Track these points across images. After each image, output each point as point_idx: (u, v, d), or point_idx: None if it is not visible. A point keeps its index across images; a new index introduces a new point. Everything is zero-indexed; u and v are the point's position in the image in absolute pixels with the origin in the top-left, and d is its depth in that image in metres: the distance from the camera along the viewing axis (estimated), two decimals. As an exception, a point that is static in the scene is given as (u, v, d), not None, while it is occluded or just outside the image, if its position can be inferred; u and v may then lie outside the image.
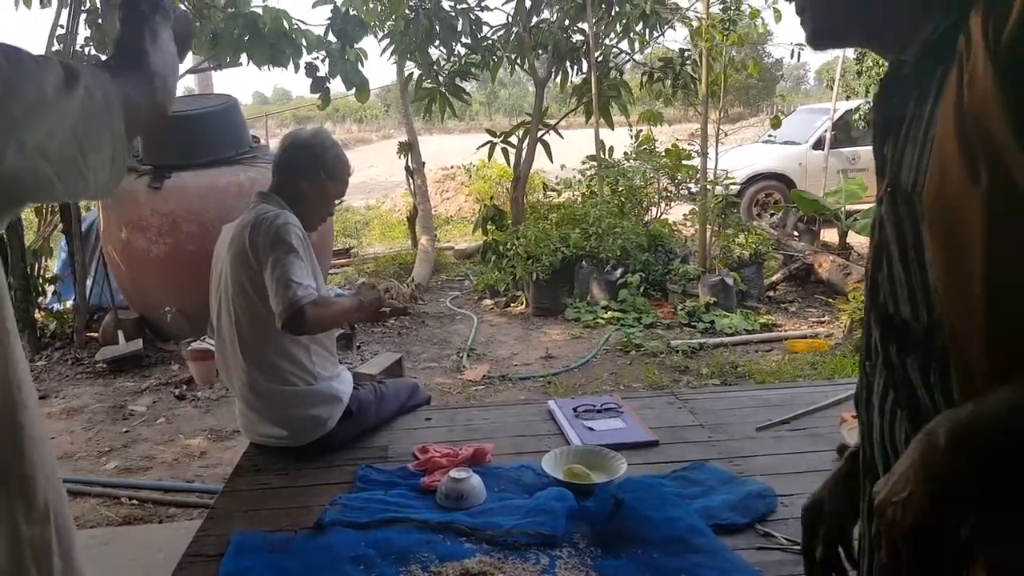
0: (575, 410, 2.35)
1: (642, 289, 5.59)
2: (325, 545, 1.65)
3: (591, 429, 2.22)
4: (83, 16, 5.99)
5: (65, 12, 5.85)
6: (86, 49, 6.19)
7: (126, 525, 2.84)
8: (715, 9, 6.17)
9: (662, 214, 7.06)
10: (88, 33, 6.10)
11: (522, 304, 5.96)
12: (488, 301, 6.21)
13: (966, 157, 0.64)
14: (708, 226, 6.02)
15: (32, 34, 7.63)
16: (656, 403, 2.49)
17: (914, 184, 0.72)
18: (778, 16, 6.64)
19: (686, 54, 7.04)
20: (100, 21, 5.91)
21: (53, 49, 5.81)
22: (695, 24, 6.25)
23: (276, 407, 2.09)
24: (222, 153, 5.00)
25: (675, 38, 35.62)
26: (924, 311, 0.73)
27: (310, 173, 2.15)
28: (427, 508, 1.80)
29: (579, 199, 7.59)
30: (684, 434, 2.22)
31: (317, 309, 1.93)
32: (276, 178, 2.20)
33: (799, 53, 6.86)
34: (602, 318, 5.39)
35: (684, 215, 6.64)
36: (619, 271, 5.74)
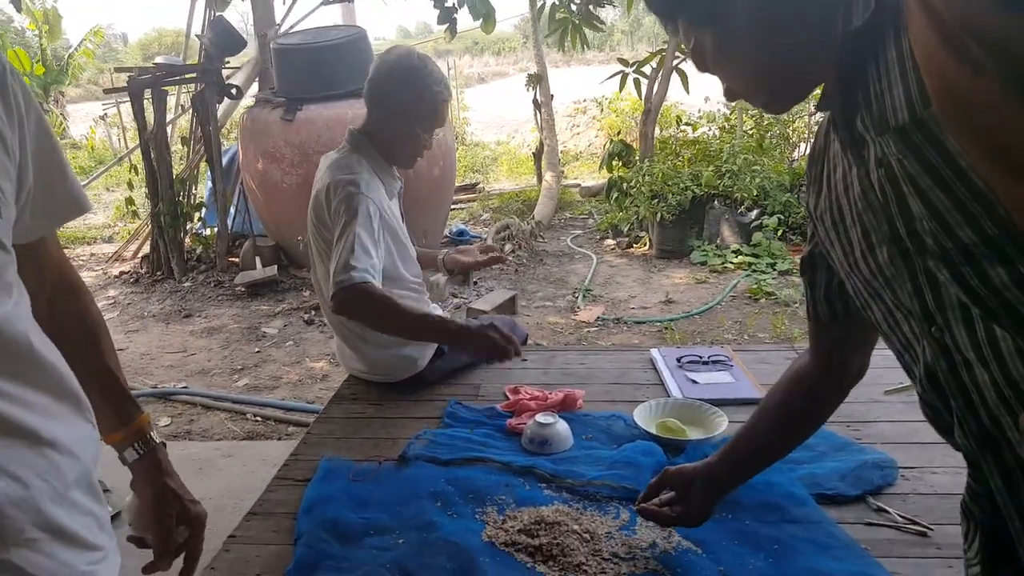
0: (679, 360, 2.21)
1: (779, 232, 5.22)
2: (406, 478, 1.65)
3: (694, 382, 2.07)
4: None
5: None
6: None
7: (248, 440, 3.04)
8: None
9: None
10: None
11: (645, 245, 5.75)
12: (610, 241, 6.05)
13: (958, 53, 0.65)
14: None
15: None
16: (772, 357, 2.29)
17: (924, 106, 0.72)
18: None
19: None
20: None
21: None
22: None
23: (366, 348, 2.09)
24: (351, 85, 5.07)
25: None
26: (988, 221, 0.71)
27: (393, 115, 1.96)
28: (510, 450, 1.76)
29: (717, 134, 7.17)
30: None
31: (367, 296, 1.77)
32: (368, 112, 2.02)
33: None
34: (731, 263, 5.09)
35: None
36: (754, 212, 5.37)
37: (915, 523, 1.43)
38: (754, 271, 4.92)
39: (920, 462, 1.64)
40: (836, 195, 0.93)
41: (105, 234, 7.19)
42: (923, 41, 0.70)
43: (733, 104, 6.88)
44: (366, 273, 1.78)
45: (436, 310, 2.23)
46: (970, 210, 0.71)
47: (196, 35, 5.75)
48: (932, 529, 1.40)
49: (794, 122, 6.46)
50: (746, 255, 5.15)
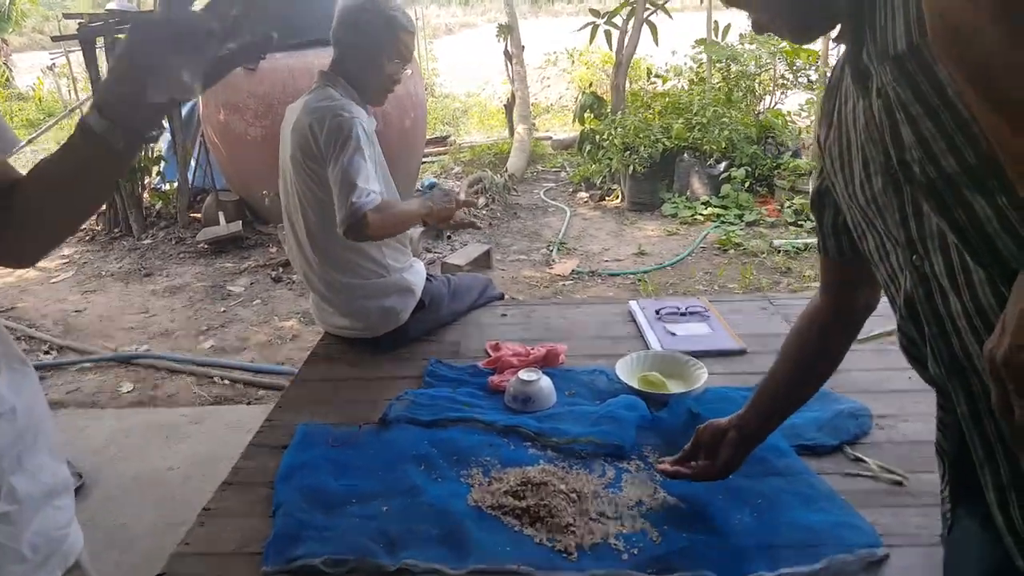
0: (657, 312, 2.21)
1: (747, 184, 5.22)
2: (388, 441, 1.62)
3: (673, 334, 2.07)
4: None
5: None
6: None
7: (216, 405, 2.97)
8: None
9: (776, 103, 6.51)
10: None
11: (617, 198, 5.73)
12: (583, 194, 6.01)
13: None
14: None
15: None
16: (747, 307, 2.30)
17: (920, 35, 0.74)
18: None
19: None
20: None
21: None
22: None
23: (348, 300, 2.05)
24: (317, 34, 4.87)
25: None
26: (970, 151, 0.73)
27: (366, 52, 1.97)
28: (494, 409, 1.74)
29: (686, 87, 7.11)
30: (775, 343, 1.99)
31: (379, 215, 1.81)
32: (336, 52, 2.03)
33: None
34: (701, 214, 5.10)
35: (800, 105, 6.09)
36: (723, 164, 5.37)
37: (891, 472, 1.45)
38: (723, 222, 4.94)
39: (892, 409, 1.67)
40: (845, 127, 0.95)
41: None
42: None
43: (701, 57, 6.82)
44: (373, 195, 1.82)
45: (420, 268, 2.20)
46: (954, 139, 0.74)
47: (150, -19, 5.47)
48: (907, 478, 1.43)
49: (760, 75, 6.42)
50: (715, 207, 5.16)
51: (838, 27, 0.95)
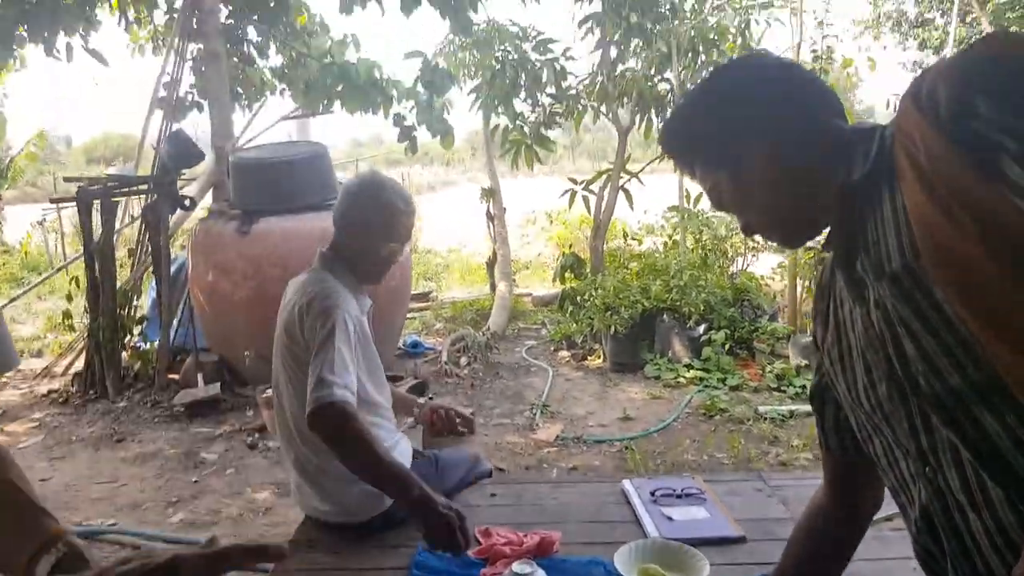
0: (653, 494, 2.15)
1: (727, 347, 5.30)
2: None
3: (670, 519, 2.01)
4: (188, 65, 6.33)
5: (172, 60, 6.19)
6: (188, 96, 6.54)
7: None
8: (806, 57, 5.95)
9: (748, 265, 6.76)
10: (192, 81, 6.46)
11: (599, 358, 5.76)
12: (564, 353, 6.05)
13: (942, 207, 0.71)
14: (799, 281, 5.69)
15: (141, 80, 8.11)
16: (742, 488, 2.25)
17: (914, 258, 0.78)
18: (872, 64, 6.34)
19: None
20: (204, 69, 6.23)
21: (159, 95, 6.15)
22: (787, 72, 5.97)
23: (329, 483, 1.97)
24: (309, 199, 5.08)
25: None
26: (974, 369, 0.74)
27: (363, 235, 2.01)
28: (486, 606, 1.64)
29: (661, 248, 7.40)
30: (774, 529, 1.97)
31: (344, 420, 1.73)
32: (335, 232, 2.07)
33: (896, 104, 6.49)
34: (684, 377, 5.13)
35: (772, 268, 6.32)
36: (702, 327, 5.47)
37: None
38: (706, 386, 4.95)
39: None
40: (844, 330, 0.97)
41: (34, 347, 6.78)
42: (915, 200, 0.76)
43: (673, 220, 7.15)
44: (346, 391, 1.75)
45: (406, 447, 2.14)
46: (957, 357, 0.75)
47: (152, 146, 5.73)
48: None
49: (731, 237, 6.72)
50: (697, 369, 5.20)
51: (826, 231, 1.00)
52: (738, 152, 0.95)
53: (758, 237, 5.86)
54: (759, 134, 0.94)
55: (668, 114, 6.68)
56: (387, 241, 2.04)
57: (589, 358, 5.84)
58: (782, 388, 4.81)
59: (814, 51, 6.05)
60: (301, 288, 1.98)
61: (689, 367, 5.23)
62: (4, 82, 7.96)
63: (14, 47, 5.86)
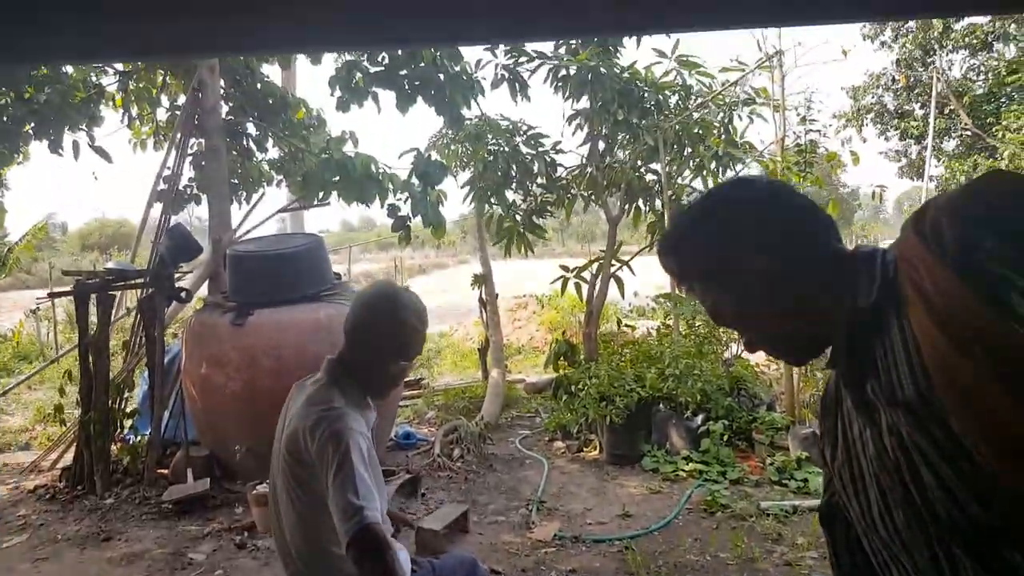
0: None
1: (726, 438, 5.24)
2: None
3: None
4: (188, 159, 6.49)
5: (173, 155, 6.34)
6: (188, 189, 6.67)
7: None
8: (790, 151, 6.15)
9: (742, 352, 6.77)
10: (192, 174, 6.60)
11: (595, 449, 5.69)
12: (559, 444, 5.96)
13: (955, 341, 0.73)
14: (795, 370, 5.69)
15: (140, 172, 8.28)
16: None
17: (928, 387, 0.78)
18: (856, 159, 6.55)
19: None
20: (203, 163, 6.38)
21: (159, 188, 6.27)
22: (770, 167, 6.19)
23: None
24: (305, 290, 5.10)
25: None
26: (996, 503, 0.73)
27: (374, 350, 1.98)
28: None
29: (653, 333, 7.42)
30: None
31: (381, 548, 1.72)
32: (346, 342, 2.03)
33: (881, 195, 6.68)
34: (683, 470, 5.05)
35: (768, 356, 6.33)
36: (700, 417, 5.42)
37: None
38: (706, 480, 4.88)
39: None
40: (855, 452, 0.95)
41: (21, 440, 6.64)
42: (925, 332, 0.78)
43: (665, 306, 7.21)
44: (376, 512, 1.73)
45: (405, 558, 2.10)
46: (978, 488, 0.74)
47: (151, 239, 5.79)
48: None
49: (723, 324, 6.75)
50: (696, 462, 5.12)
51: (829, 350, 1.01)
52: (740, 275, 0.96)
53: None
54: (761, 258, 0.94)
55: (655, 204, 6.89)
56: (398, 359, 2.01)
57: (585, 449, 5.76)
58: (783, 481, 4.74)
59: (798, 145, 6.25)
60: (306, 404, 1.93)
61: (688, 459, 5.16)
62: (6, 174, 8.09)
63: (20, 144, 5.99)
